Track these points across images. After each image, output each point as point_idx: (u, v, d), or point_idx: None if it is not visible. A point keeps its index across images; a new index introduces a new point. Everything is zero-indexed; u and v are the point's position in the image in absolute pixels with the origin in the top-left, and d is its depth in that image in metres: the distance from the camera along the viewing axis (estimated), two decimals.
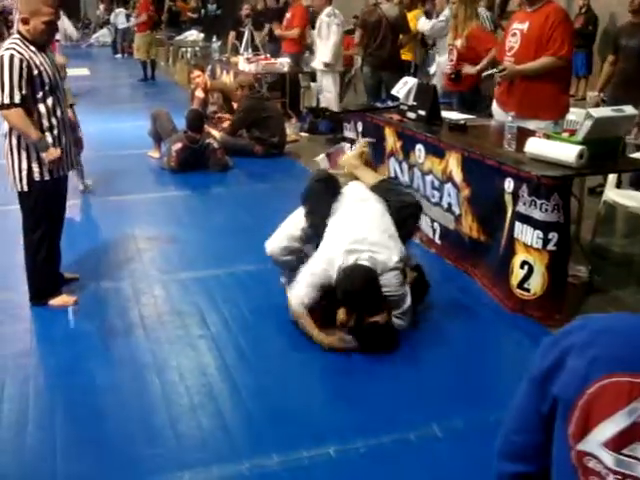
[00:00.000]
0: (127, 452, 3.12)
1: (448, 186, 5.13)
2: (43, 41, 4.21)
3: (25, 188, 4.24)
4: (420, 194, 5.55)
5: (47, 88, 4.14)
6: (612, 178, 5.46)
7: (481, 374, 3.81)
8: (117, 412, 3.40)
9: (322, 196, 4.30)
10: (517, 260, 4.35)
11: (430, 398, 3.57)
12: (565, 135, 4.59)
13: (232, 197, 6.93)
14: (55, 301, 4.46)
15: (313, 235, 4.27)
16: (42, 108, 4.16)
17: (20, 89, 4.02)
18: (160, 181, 7.64)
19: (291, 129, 9.69)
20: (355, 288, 3.86)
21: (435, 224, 5.42)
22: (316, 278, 4.01)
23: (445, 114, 5.82)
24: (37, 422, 3.33)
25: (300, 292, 4.04)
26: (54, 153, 4.18)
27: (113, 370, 3.79)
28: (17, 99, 4.03)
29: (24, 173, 4.21)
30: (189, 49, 16.31)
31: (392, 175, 5.99)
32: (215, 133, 8.48)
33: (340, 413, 3.44)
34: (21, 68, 4.01)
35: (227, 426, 3.30)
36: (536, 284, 4.27)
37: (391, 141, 5.95)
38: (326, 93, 10.16)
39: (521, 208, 4.29)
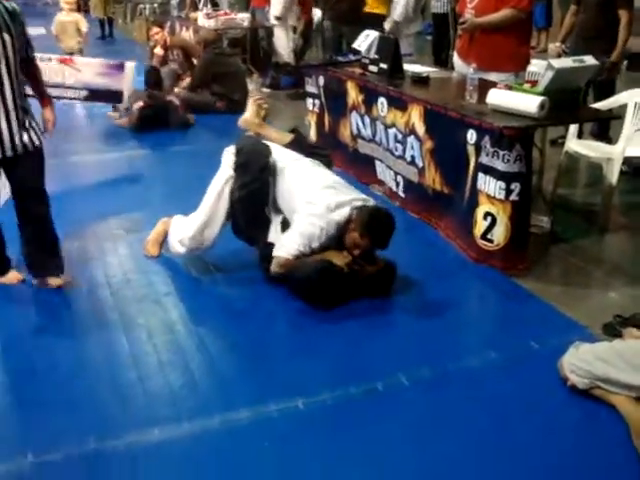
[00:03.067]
0: (97, 411, 3.11)
1: (411, 139, 5.12)
2: None
3: None
4: (383, 147, 5.55)
5: None
6: (573, 129, 5.49)
7: (446, 324, 3.84)
8: (85, 372, 3.38)
9: (257, 163, 4.14)
10: (480, 211, 4.38)
11: (397, 348, 3.60)
12: (527, 86, 4.60)
13: (195, 154, 6.86)
14: (3, 279, 4.20)
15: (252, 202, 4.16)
16: None
17: None
18: (120, 140, 7.53)
19: (253, 85, 9.60)
20: (391, 228, 3.94)
21: (398, 177, 5.42)
22: (313, 240, 3.91)
23: (407, 67, 5.80)
24: (2, 385, 3.31)
25: (291, 251, 3.93)
26: None
27: (79, 330, 3.77)
28: None
29: None
30: (147, 6, 16.03)
31: (354, 130, 5.97)
32: (175, 90, 8.37)
33: (307, 366, 3.46)
34: None
35: (196, 382, 3.31)
36: (499, 235, 4.30)
37: (353, 95, 5.92)
38: (278, 48, 10.08)
39: (484, 159, 4.30)
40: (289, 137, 4.51)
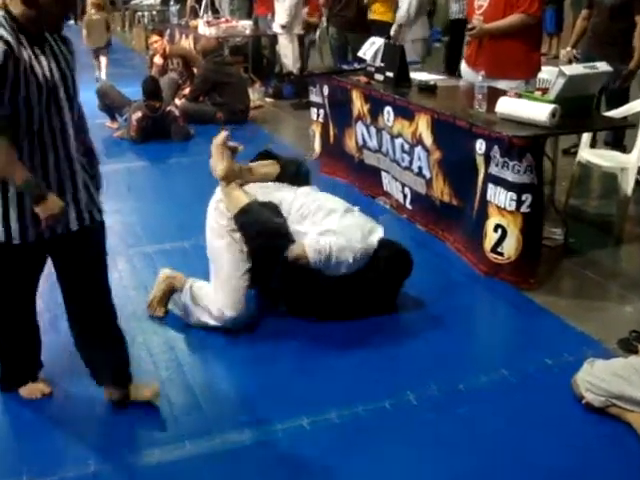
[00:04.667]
0: (95, 431, 3.13)
1: (418, 149, 5.14)
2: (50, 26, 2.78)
3: None
4: (389, 158, 5.56)
5: (42, 96, 2.68)
6: (586, 137, 5.50)
7: (456, 340, 3.85)
8: (84, 392, 3.39)
9: (278, 247, 3.84)
10: (490, 223, 4.39)
11: (405, 366, 3.62)
12: (537, 94, 4.62)
13: (195, 166, 6.84)
14: (27, 391, 3.34)
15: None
16: (25, 123, 2.69)
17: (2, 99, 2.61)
18: (119, 152, 7.55)
19: (255, 94, 9.64)
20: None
21: (406, 189, 5.44)
22: (343, 256, 3.79)
23: (414, 75, 5.83)
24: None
25: (317, 247, 3.75)
26: (54, 209, 2.73)
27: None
28: None
29: None
30: (146, 13, 16.08)
31: (360, 140, 5.99)
32: (175, 100, 8.41)
33: (313, 384, 3.47)
34: (4, 62, 2.56)
35: (197, 401, 3.32)
36: (510, 247, 4.31)
37: (358, 104, 5.94)
38: (283, 57, 10.13)
39: (493, 170, 4.32)
40: (276, 167, 4.24)
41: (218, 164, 4.05)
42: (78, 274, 3.01)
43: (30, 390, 3.32)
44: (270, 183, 4.16)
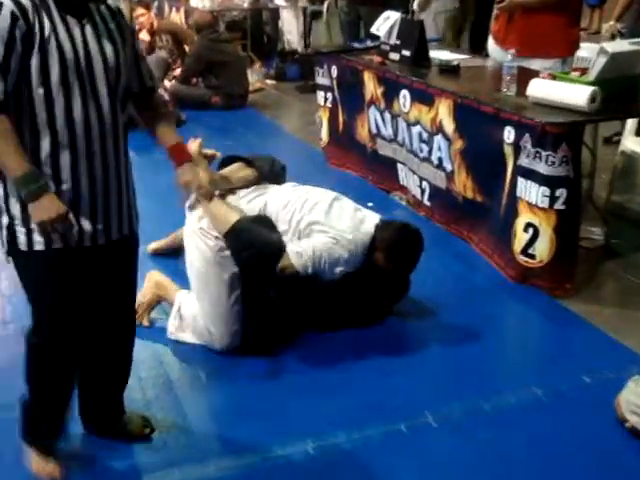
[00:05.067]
0: (80, 457, 3.12)
1: (438, 138, 5.15)
2: None
3: (7, 253, 2.70)
4: (406, 148, 5.58)
5: (67, 76, 2.49)
6: (631, 124, 5.47)
7: (481, 354, 3.86)
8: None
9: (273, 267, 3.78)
10: (520, 222, 4.40)
11: (423, 383, 3.62)
12: (575, 75, 4.61)
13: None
14: (36, 463, 2.97)
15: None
16: (43, 111, 2.51)
17: (4, 73, 2.42)
18: None
19: (254, 76, 9.66)
20: (419, 253, 3.96)
21: (424, 183, 5.45)
22: (335, 262, 3.76)
23: (434, 54, 5.84)
24: None
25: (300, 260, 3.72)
26: (51, 209, 2.53)
27: None
28: None
29: (5, 236, 2.66)
30: None
31: (373, 128, 6.00)
32: (165, 82, 8.44)
33: (318, 403, 3.47)
34: (10, 31, 2.40)
35: (188, 423, 3.33)
36: (542, 249, 4.32)
37: (371, 87, 5.96)
38: (287, 33, 10.13)
39: (524, 161, 4.33)
40: (251, 169, 4.22)
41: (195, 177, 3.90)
42: (112, 288, 2.90)
43: (39, 466, 2.97)
44: (250, 188, 4.14)
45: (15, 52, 2.41)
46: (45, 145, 2.54)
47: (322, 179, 4.32)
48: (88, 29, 2.55)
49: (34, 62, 2.44)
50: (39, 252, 2.62)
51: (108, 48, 2.59)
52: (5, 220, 2.62)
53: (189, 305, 3.95)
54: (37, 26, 2.42)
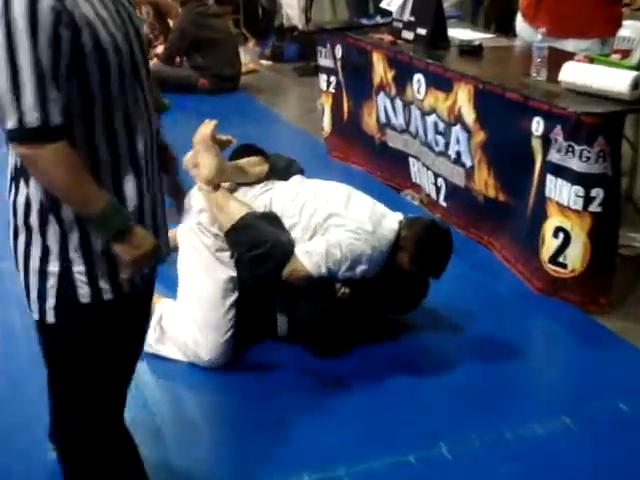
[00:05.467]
0: None
1: (456, 129, 5.15)
2: None
3: (51, 319, 2.24)
4: (420, 141, 5.57)
5: (123, 79, 2.18)
6: None
7: (502, 377, 3.85)
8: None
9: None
10: (549, 226, 4.39)
11: (436, 408, 3.62)
12: (615, 57, 4.60)
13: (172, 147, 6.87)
14: None
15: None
16: (101, 130, 2.15)
17: (56, 84, 2.00)
18: None
19: (248, 55, 9.67)
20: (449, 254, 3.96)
21: (439, 180, 5.45)
22: (358, 262, 3.77)
23: (453, 33, 5.84)
24: None
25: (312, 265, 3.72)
26: (144, 243, 2.23)
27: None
28: (55, 118, 2.01)
29: (50, 290, 2.22)
30: None
31: (382, 117, 6.00)
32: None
33: (316, 431, 3.46)
34: (55, 28, 1.95)
35: (168, 451, 3.32)
36: (574, 257, 4.31)
37: (380, 70, 5.96)
38: (286, 6, 10.14)
39: (554, 157, 4.32)
40: (265, 165, 4.24)
41: (205, 163, 3.98)
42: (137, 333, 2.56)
43: None
44: (258, 185, 4.15)
45: (62, 55, 2.00)
46: (105, 160, 2.17)
47: (323, 174, 4.29)
48: (120, 4, 2.20)
49: (89, 62, 2.06)
50: (107, 302, 2.25)
51: (141, 29, 2.30)
52: (55, 268, 2.19)
53: (172, 315, 3.93)
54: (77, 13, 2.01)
